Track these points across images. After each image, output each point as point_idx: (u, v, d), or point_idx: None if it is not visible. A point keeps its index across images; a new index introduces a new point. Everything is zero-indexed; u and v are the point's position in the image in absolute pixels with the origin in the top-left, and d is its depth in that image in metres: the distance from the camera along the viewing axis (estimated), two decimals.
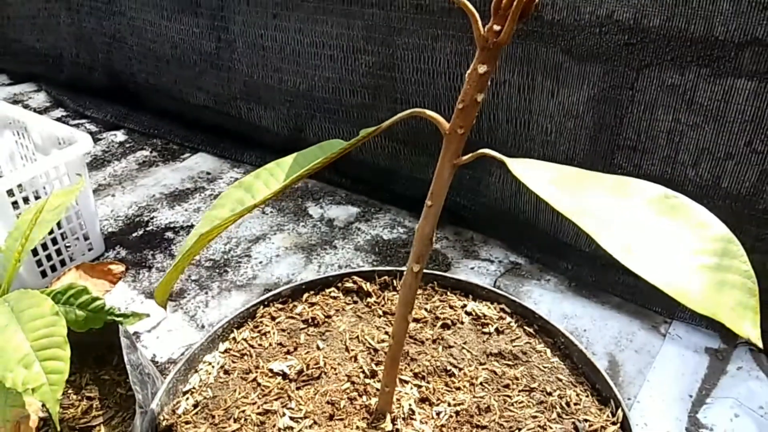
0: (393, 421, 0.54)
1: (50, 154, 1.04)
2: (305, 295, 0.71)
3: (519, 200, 1.10)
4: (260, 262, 1.14)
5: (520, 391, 0.59)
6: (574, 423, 0.55)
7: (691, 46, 0.81)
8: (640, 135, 0.91)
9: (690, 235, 0.32)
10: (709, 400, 0.85)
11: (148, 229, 1.25)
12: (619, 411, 0.55)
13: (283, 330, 0.66)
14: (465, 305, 0.69)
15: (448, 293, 0.72)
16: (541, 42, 0.94)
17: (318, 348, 0.64)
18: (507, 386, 0.59)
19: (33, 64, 1.95)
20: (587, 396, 0.58)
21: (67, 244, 1.08)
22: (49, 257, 1.05)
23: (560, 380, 0.60)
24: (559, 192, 0.35)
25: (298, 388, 0.59)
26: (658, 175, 0.90)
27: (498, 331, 0.66)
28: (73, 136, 1.03)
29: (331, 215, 1.29)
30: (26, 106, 1.83)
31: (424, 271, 0.72)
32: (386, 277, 0.73)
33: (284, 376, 0.60)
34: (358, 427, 0.54)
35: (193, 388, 0.60)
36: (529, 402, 0.57)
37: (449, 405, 0.57)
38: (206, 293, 1.07)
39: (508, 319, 0.68)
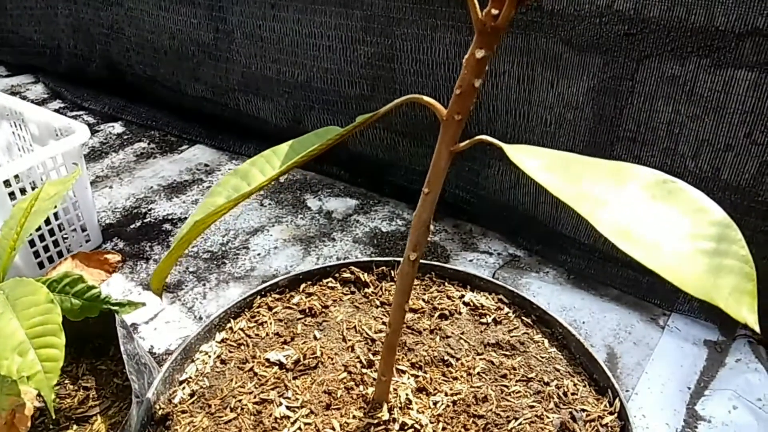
0: (390, 410, 0.54)
1: (47, 145, 1.03)
2: (302, 286, 0.71)
3: (518, 192, 1.10)
4: (258, 254, 1.14)
5: (517, 381, 0.58)
6: (571, 412, 0.55)
7: (691, 36, 0.80)
8: (640, 126, 0.90)
9: (687, 219, 0.31)
10: (708, 392, 0.85)
11: (145, 220, 1.25)
12: (617, 400, 0.55)
13: (280, 320, 0.66)
14: (463, 296, 0.69)
15: (446, 284, 0.71)
16: (540, 32, 0.93)
17: (315, 338, 0.64)
18: (504, 376, 0.59)
19: (30, 56, 1.94)
20: (585, 386, 0.58)
21: (65, 236, 1.08)
22: (46, 248, 1.04)
23: (558, 370, 0.60)
24: (556, 177, 0.35)
25: (294, 378, 0.59)
26: (658, 167, 0.88)
27: (496, 322, 0.66)
28: (70, 126, 1.03)
29: (330, 207, 1.28)
30: (24, 98, 1.82)
31: (423, 261, 0.72)
32: (384, 268, 0.73)
33: (281, 365, 0.60)
34: (354, 417, 0.54)
35: (190, 377, 0.60)
36: (526, 392, 0.57)
37: (446, 395, 0.57)
38: (204, 285, 1.06)
39: (506, 309, 0.67)
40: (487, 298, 0.69)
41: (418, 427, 0.53)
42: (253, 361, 0.60)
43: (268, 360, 0.60)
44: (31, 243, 1.02)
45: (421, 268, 0.73)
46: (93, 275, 1.04)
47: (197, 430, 0.53)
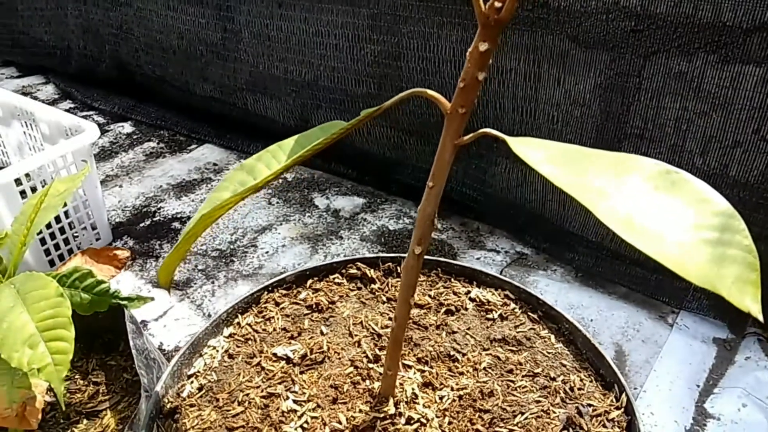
0: (396, 404, 0.54)
1: (57, 144, 1.04)
2: (309, 282, 0.71)
3: (525, 190, 1.10)
4: (266, 252, 1.14)
5: (523, 376, 0.58)
6: (577, 407, 0.55)
7: (698, 32, 0.80)
8: (647, 123, 0.90)
9: (691, 210, 0.31)
10: (717, 389, 0.85)
11: (155, 219, 1.26)
12: (623, 395, 0.55)
13: (287, 315, 0.67)
14: (469, 291, 0.69)
15: (452, 280, 0.72)
16: (547, 29, 0.93)
17: (322, 333, 0.64)
18: (510, 371, 0.59)
19: (41, 57, 1.96)
20: (591, 381, 0.58)
21: (75, 234, 1.09)
22: (57, 246, 1.05)
23: (564, 365, 0.60)
24: (559, 169, 0.35)
25: (301, 372, 0.59)
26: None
27: (502, 317, 0.66)
28: (80, 125, 1.04)
29: (337, 206, 1.29)
30: (35, 99, 1.83)
31: (429, 257, 0.73)
32: (390, 264, 0.73)
33: (288, 360, 0.60)
34: (361, 410, 0.54)
35: (198, 371, 0.60)
36: (532, 387, 0.57)
37: (452, 389, 0.57)
38: (213, 283, 1.07)
39: (513, 305, 0.67)
40: (494, 293, 0.69)
41: (424, 421, 0.53)
42: (261, 356, 0.61)
43: (275, 354, 0.61)
44: (42, 241, 1.03)
45: (427, 264, 0.73)
46: (102, 271, 1.05)
47: (205, 424, 0.54)
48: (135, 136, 1.62)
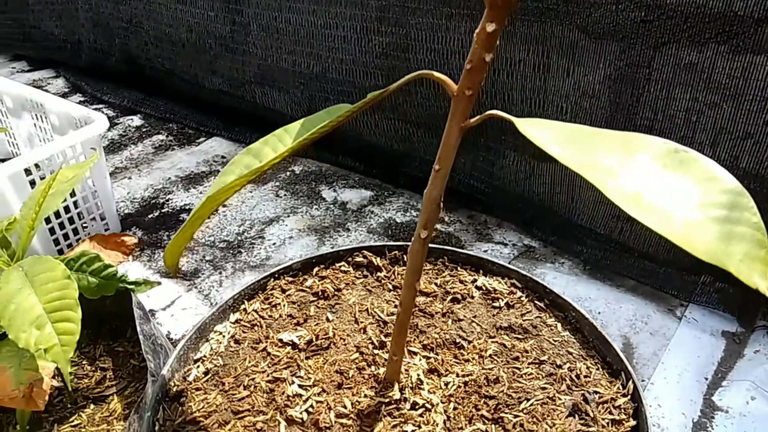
0: (401, 390, 0.54)
1: (67, 135, 1.05)
2: (315, 269, 0.71)
3: (533, 183, 1.09)
4: (273, 244, 1.15)
5: (529, 364, 0.58)
6: (583, 394, 0.54)
7: (709, 22, 0.79)
8: (657, 114, 0.89)
9: (699, 188, 0.31)
10: (725, 382, 0.84)
11: (163, 210, 1.26)
12: (630, 383, 0.55)
13: (293, 302, 0.67)
14: (475, 280, 0.69)
15: (459, 268, 0.71)
16: (556, 20, 0.92)
17: (327, 320, 0.64)
18: (516, 359, 0.59)
19: (51, 51, 1.98)
20: (598, 369, 0.58)
21: (84, 224, 1.10)
22: (66, 236, 1.06)
23: (570, 353, 0.59)
24: (567, 148, 0.35)
25: (307, 358, 0.59)
26: None
27: (508, 305, 0.66)
28: (89, 116, 1.04)
29: (345, 198, 1.29)
30: (45, 92, 1.85)
31: (435, 246, 0.72)
32: (396, 252, 0.73)
33: (294, 346, 0.60)
34: (366, 395, 0.54)
35: (204, 356, 0.60)
36: (538, 374, 0.57)
37: (458, 376, 0.57)
38: (220, 273, 1.07)
39: (519, 293, 0.67)
40: (500, 282, 0.69)
41: (429, 406, 0.53)
42: (267, 341, 0.61)
43: (281, 340, 0.61)
44: (51, 231, 1.03)
45: (434, 253, 0.73)
46: (110, 257, 1.05)
47: (211, 407, 0.54)
48: (144, 129, 1.63)
